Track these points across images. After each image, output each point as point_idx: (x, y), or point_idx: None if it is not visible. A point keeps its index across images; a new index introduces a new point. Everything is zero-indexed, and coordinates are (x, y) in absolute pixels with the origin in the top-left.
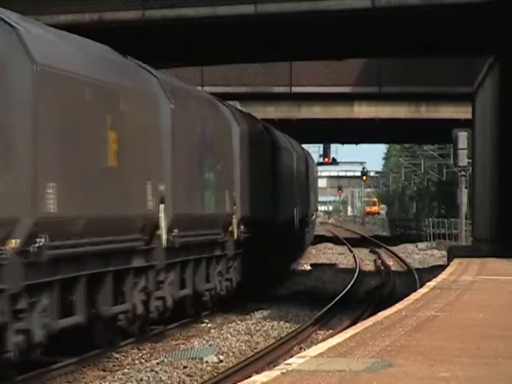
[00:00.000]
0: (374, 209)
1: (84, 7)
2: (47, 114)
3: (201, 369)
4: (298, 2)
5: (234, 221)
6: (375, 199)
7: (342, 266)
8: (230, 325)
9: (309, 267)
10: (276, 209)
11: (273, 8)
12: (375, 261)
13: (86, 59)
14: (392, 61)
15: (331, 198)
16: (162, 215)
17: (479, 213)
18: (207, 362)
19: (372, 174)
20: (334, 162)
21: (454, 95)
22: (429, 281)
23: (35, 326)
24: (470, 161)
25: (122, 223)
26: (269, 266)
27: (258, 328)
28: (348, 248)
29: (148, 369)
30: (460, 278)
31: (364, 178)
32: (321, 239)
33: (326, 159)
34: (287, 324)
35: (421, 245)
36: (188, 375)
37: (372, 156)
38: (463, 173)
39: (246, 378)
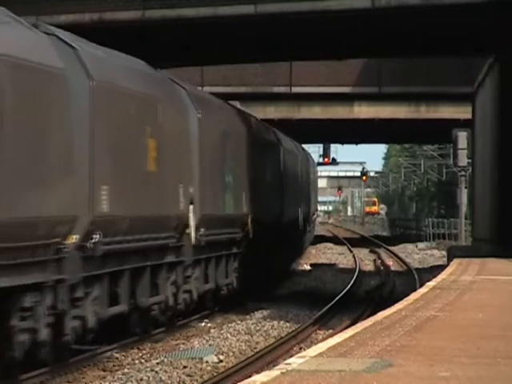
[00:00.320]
0: (374, 209)
1: (84, 7)
2: (101, 125)
3: (201, 369)
4: (298, 2)
5: (249, 221)
6: (375, 199)
7: (341, 266)
8: (229, 325)
9: (309, 267)
10: (283, 209)
11: (273, 8)
12: (375, 261)
13: (130, 74)
14: (392, 61)
15: (331, 198)
16: (191, 215)
17: (479, 213)
18: (207, 361)
19: (372, 174)
20: (334, 162)
21: (454, 95)
22: (428, 281)
23: (89, 313)
24: (469, 161)
25: (159, 222)
26: (271, 265)
27: (258, 328)
28: (348, 248)
29: (148, 369)
30: (460, 277)
31: (364, 178)
32: (321, 239)
33: (326, 159)
34: (287, 324)
35: (420, 245)
36: (188, 375)
37: (372, 156)
38: (463, 173)
39: (246, 377)
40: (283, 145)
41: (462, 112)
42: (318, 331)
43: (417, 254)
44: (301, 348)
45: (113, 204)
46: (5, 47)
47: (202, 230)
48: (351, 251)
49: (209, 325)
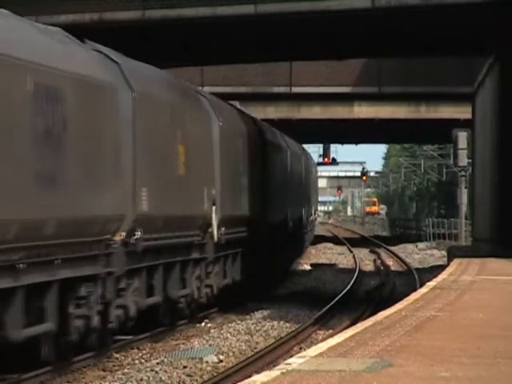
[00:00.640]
0: (374, 209)
1: (84, 7)
2: (141, 132)
3: (201, 369)
4: (298, 2)
5: (261, 221)
6: (375, 199)
7: (341, 266)
8: (229, 325)
9: (309, 267)
10: (289, 210)
11: (273, 8)
12: (375, 261)
13: (162, 85)
14: (392, 61)
15: (331, 198)
16: (213, 215)
17: (479, 213)
18: (207, 361)
19: (372, 174)
20: (334, 162)
21: (454, 95)
22: (429, 281)
23: (130, 302)
24: (469, 161)
25: (188, 221)
26: (273, 264)
27: (258, 328)
28: (348, 248)
29: (148, 369)
30: (460, 277)
31: (364, 178)
32: (321, 239)
33: (326, 159)
34: (287, 324)
35: (421, 245)
36: (188, 375)
37: (372, 156)
38: (463, 173)
39: (246, 377)
40: (290, 148)
41: (462, 112)
42: (318, 331)
43: (417, 254)
44: (301, 348)
45: (151, 204)
46: (72, 66)
47: (223, 229)
48: (351, 251)
49: (209, 325)
